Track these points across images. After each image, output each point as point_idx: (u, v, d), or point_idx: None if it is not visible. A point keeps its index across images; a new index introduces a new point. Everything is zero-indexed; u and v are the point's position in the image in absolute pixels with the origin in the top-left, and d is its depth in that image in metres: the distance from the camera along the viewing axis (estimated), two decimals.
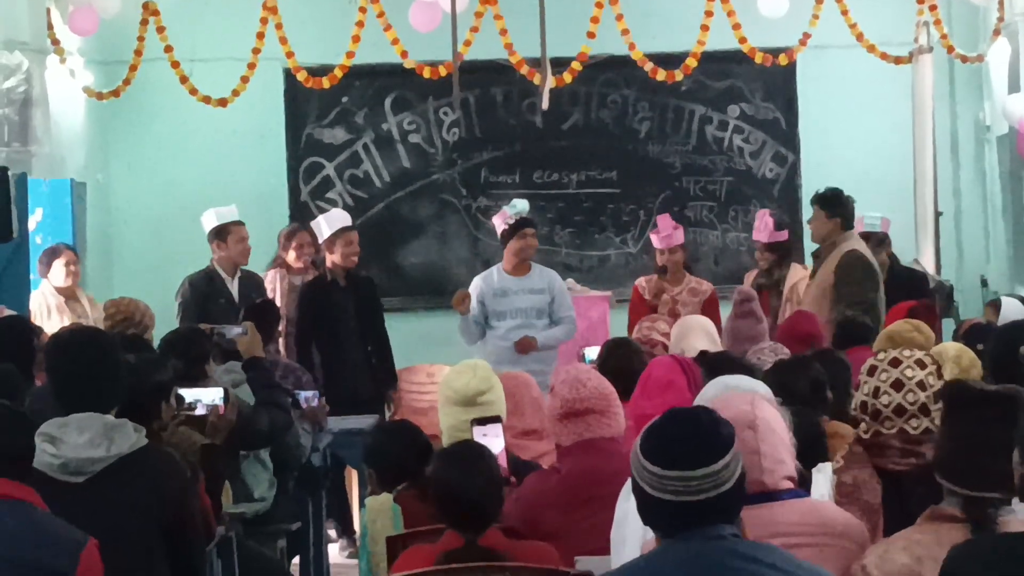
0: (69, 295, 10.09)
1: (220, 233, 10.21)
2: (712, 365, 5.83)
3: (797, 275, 10.49)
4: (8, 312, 8.11)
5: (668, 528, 3.28)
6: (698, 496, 3.22)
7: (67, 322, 9.59)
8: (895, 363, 4.81)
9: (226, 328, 8.10)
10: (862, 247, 9.62)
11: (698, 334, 7.67)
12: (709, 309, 10.26)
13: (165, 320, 9.26)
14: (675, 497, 3.22)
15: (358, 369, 10.04)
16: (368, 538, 5.38)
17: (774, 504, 3.93)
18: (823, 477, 4.54)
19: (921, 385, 4.76)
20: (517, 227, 10.05)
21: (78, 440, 4.67)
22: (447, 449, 5.11)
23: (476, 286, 10.06)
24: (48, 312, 9.96)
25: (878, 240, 10.61)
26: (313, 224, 10.48)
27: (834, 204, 9.66)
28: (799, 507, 3.98)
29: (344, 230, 10.11)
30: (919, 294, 9.75)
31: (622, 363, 6.81)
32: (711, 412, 3.36)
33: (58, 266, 10.04)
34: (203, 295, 10.07)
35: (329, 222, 10.17)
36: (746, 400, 4.04)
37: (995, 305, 10.89)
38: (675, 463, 3.23)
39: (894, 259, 10.82)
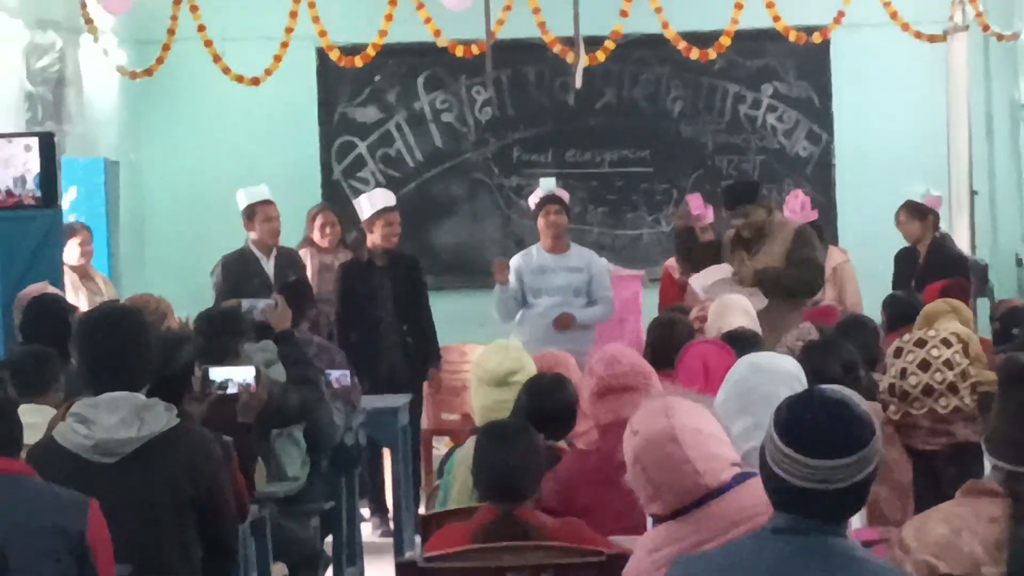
0: (82, 274, 10.05)
1: (249, 213, 10.23)
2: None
3: (837, 258, 10.45)
4: (52, 289, 8.03)
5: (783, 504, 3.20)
6: (829, 485, 3.12)
7: (83, 300, 9.57)
8: (920, 344, 4.79)
9: (255, 301, 8.09)
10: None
11: (736, 313, 7.64)
12: None
13: (197, 300, 9.26)
14: (794, 480, 3.14)
15: (395, 350, 10.03)
16: (451, 478, 5.41)
17: (724, 497, 3.78)
18: None
19: (948, 364, 4.74)
20: (541, 205, 10.07)
21: (110, 420, 4.67)
22: (490, 424, 5.12)
23: (515, 262, 10.02)
24: (63, 291, 9.94)
25: (919, 212, 10.46)
26: (355, 202, 10.44)
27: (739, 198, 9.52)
28: (752, 489, 3.77)
29: (385, 211, 10.07)
30: (957, 273, 9.67)
31: (666, 333, 6.84)
32: (853, 399, 3.24)
33: (72, 245, 9.92)
34: (237, 275, 10.06)
35: (371, 201, 10.12)
36: (659, 411, 3.88)
37: None
38: (811, 449, 3.13)
39: (940, 237, 10.63)
